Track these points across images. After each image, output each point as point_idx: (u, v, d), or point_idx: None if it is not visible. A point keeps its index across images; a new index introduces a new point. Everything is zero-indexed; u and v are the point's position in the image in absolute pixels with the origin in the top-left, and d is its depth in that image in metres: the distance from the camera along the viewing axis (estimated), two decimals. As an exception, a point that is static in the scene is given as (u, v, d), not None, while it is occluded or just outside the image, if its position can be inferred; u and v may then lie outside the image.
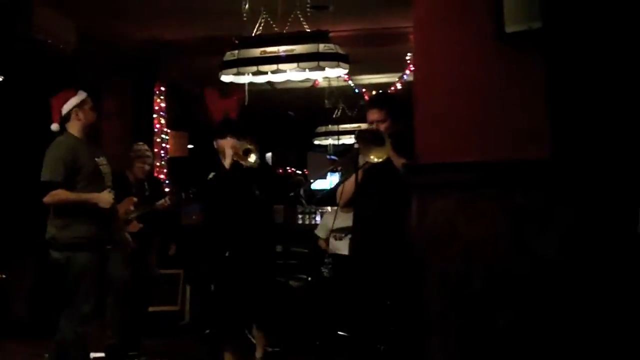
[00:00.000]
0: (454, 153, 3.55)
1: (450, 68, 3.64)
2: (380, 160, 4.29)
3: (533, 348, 3.28)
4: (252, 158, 5.33)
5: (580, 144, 3.20)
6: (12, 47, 7.03)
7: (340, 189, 4.87)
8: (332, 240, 6.40)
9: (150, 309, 6.98)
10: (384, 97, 5.52)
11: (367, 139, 4.39)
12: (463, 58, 3.61)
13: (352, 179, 4.66)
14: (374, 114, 4.69)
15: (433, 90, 3.67)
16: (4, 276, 6.79)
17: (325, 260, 6.14)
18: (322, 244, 6.49)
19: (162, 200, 6.72)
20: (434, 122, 3.64)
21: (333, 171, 9.42)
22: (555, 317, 3.23)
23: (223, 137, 5.44)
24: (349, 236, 5.72)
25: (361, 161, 4.40)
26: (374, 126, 4.67)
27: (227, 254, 5.36)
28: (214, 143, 5.51)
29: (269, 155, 12.07)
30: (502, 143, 3.48)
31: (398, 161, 4.27)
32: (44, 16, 7.02)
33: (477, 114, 3.56)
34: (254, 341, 5.83)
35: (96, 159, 5.10)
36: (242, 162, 5.32)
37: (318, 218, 8.85)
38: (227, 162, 5.35)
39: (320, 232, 6.65)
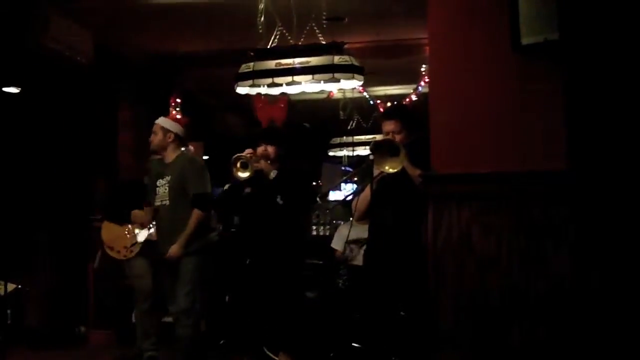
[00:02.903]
0: (470, 164, 3.55)
1: (465, 79, 3.64)
2: (395, 170, 4.27)
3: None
4: (245, 173, 5.18)
5: (598, 156, 3.18)
6: (28, 59, 7.08)
7: (355, 201, 4.85)
8: (347, 251, 6.38)
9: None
10: (398, 109, 5.50)
11: (382, 149, 4.38)
12: (479, 69, 3.61)
13: (367, 191, 4.65)
14: (389, 125, 4.68)
15: (448, 101, 3.67)
16: (19, 286, 6.78)
17: (340, 271, 6.12)
18: (339, 255, 6.47)
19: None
20: (450, 133, 3.64)
21: (347, 181, 9.38)
22: (571, 334, 3.21)
23: (258, 144, 5.40)
24: (364, 247, 5.71)
25: (376, 172, 4.40)
26: (389, 137, 4.66)
27: (247, 262, 5.34)
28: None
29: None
30: (518, 154, 3.47)
31: (413, 172, 4.26)
32: (61, 28, 7.06)
33: (493, 125, 3.56)
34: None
35: (159, 179, 5.49)
36: (238, 174, 5.20)
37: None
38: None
39: (336, 244, 6.63)
